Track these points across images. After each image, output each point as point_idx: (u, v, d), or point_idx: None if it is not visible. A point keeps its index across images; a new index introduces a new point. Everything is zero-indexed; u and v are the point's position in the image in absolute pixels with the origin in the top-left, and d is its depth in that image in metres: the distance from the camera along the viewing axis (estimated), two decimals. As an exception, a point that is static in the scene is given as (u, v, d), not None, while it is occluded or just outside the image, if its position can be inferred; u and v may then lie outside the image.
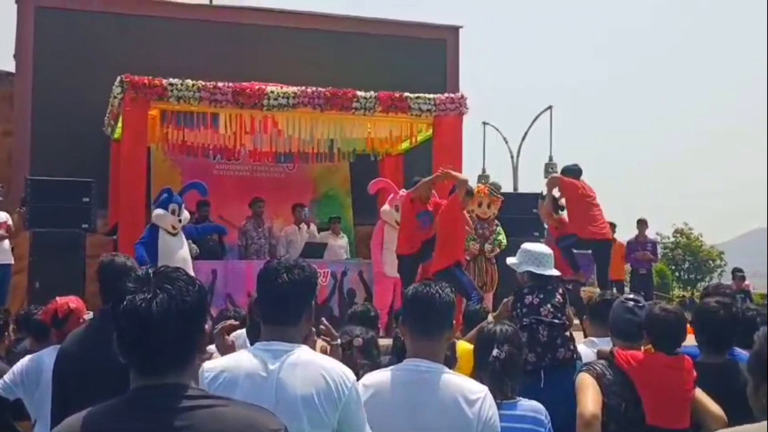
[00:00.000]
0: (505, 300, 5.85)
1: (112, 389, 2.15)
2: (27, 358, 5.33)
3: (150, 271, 2.17)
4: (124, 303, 2.09)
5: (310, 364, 3.06)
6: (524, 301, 5.70)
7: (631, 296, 4.86)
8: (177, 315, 2.08)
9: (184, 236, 11.32)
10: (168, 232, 11.02)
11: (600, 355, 4.64)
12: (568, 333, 5.69)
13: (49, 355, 5.10)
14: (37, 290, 11.19)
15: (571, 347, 5.59)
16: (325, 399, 3.00)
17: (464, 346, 4.47)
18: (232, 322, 4.00)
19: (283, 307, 3.16)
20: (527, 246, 6.01)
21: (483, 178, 24.38)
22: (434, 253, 10.58)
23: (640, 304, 4.71)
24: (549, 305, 5.68)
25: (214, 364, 3.15)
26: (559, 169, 12.03)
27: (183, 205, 11.28)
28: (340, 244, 14.64)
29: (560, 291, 5.82)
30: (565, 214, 11.74)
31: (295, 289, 3.16)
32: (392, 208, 12.12)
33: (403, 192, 12.11)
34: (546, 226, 12.57)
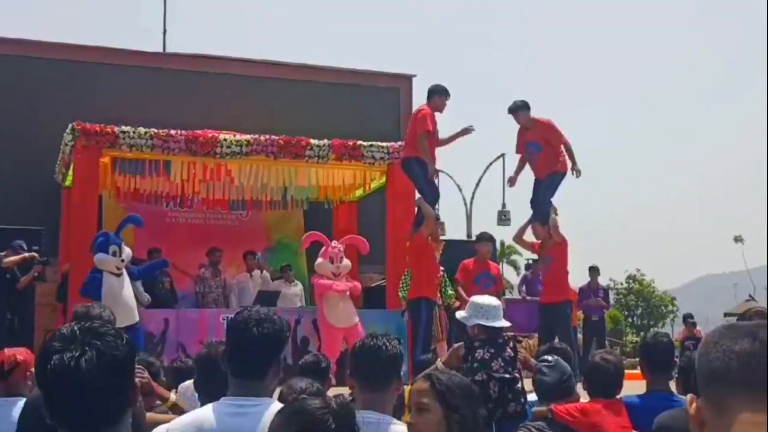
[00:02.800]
0: (456, 346, 5.83)
1: None
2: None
3: (76, 327, 2.08)
4: (51, 362, 2.01)
5: None
6: (475, 356, 5.69)
7: (545, 357, 4.90)
8: (107, 371, 2.01)
9: (126, 276, 11.15)
10: (113, 274, 10.86)
11: (537, 415, 4.69)
12: (519, 385, 5.70)
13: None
14: None
15: (522, 400, 5.61)
16: None
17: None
18: None
19: (253, 362, 3.10)
20: (476, 299, 6.03)
21: (438, 225, 24.45)
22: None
23: (551, 364, 4.75)
24: (500, 359, 5.68)
25: (178, 422, 3.08)
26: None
27: (122, 244, 11.08)
28: (294, 291, 14.57)
29: (510, 345, 5.83)
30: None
31: (266, 344, 3.10)
32: (327, 261, 12.07)
33: (335, 243, 12.13)
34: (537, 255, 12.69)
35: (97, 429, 2.04)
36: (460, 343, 5.86)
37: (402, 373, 3.57)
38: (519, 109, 11.66)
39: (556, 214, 11.67)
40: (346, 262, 12.19)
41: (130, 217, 11.92)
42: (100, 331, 2.08)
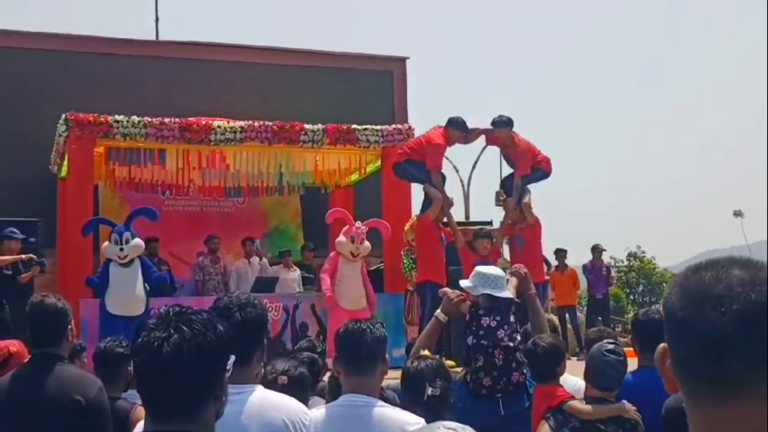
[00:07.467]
0: (455, 298, 5.62)
1: None
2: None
3: (170, 310, 2.07)
4: (139, 339, 2.02)
5: (265, 405, 3.01)
6: (480, 323, 5.69)
7: (611, 345, 4.61)
8: (189, 358, 1.97)
9: (140, 269, 11.03)
10: (119, 264, 10.79)
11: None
12: (519, 355, 5.69)
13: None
14: None
15: (524, 370, 5.59)
16: None
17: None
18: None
19: (238, 347, 3.09)
20: (481, 269, 5.99)
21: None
22: None
23: (621, 359, 4.52)
24: (506, 326, 5.69)
25: None
26: None
27: (126, 234, 10.93)
28: (292, 277, 14.50)
29: (512, 310, 5.82)
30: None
31: (249, 328, 3.08)
32: (348, 240, 11.89)
33: (358, 223, 11.98)
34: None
35: (171, 416, 2.00)
36: (462, 297, 5.68)
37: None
38: (506, 125, 11.63)
39: (529, 194, 11.64)
40: (367, 244, 11.96)
41: (144, 209, 11.72)
42: (192, 317, 2.05)
